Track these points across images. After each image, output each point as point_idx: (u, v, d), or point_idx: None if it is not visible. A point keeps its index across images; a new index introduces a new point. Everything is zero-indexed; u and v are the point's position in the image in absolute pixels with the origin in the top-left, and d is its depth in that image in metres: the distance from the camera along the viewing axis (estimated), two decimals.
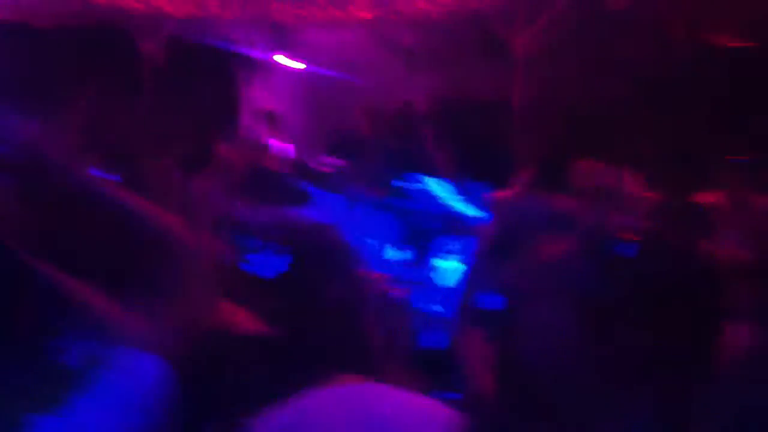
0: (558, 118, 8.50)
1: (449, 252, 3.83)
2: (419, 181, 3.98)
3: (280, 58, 9.04)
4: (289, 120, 10.14)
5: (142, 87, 8.81)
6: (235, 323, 1.90)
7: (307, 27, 7.39)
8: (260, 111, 8.91)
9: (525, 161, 7.72)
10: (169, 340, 1.79)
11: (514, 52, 7.09)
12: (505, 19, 7.01)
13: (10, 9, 7.15)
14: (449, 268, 3.68)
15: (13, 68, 9.89)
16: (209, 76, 10.40)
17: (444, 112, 8.92)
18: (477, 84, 8.90)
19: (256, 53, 9.99)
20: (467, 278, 3.40)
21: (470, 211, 3.91)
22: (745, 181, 4.39)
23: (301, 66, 10.03)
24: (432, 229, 3.79)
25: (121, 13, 6.48)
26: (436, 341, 2.98)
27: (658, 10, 6.51)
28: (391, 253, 3.97)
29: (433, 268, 3.67)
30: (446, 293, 3.45)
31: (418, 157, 6.43)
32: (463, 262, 3.71)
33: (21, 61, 9.70)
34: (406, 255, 3.89)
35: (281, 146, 8.94)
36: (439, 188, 3.93)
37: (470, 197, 4.28)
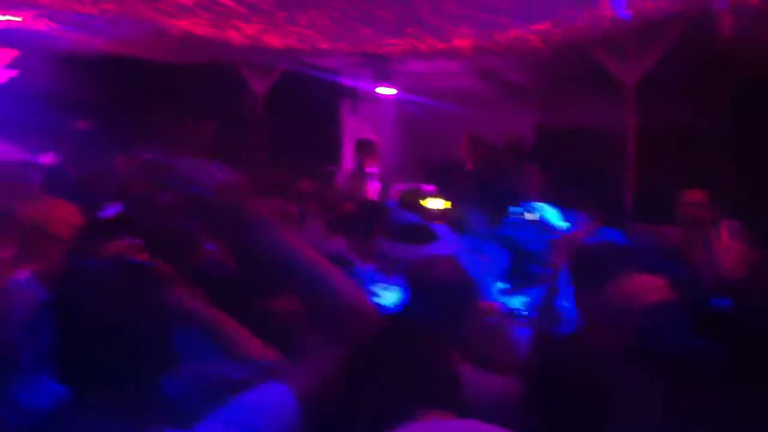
0: (667, 150, 8.23)
1: (551, 281, 3.71)
2: (526, 210, 3.87)
3: (383, 89, 9.11)
4: (391, 150, 10.19)
5: (251, 119, 9.07)
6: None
7: (409, 58, 7.39)
8: (363, 141, 8.99)
9: (630, 192, 7.52)
10: (303, 376, 1.88)
11: (624, 84, 6.88)
12: (614, 52, 6.81)
13: (120, 43, 7.48)
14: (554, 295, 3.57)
15: (128, 101, 10.28)
16: (314, 107, 10.61)
17: (549, 143, 8.77)
18: (584, 116, 8.70)
19: (358, 84, 10.11)
20: (558, 306, 3.35)
21: (572, 238, 3.78)
22: None
23: (402, 96, 10.08)
24: (538, 258, 3.67)
25: (225, 46, 6.66)
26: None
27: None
28: (501, 284, 3.88)
29: (539, 298, 3.56)
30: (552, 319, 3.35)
31: (522, 188, 6.32)
32: (561, 290, 3.60)
33: (135, 94, 10.08)
34: (515, 285, 3.79)
35: (383, 176, 8.98)
36: (546, 216, 3.82)
37: (575, 226, 4.14)
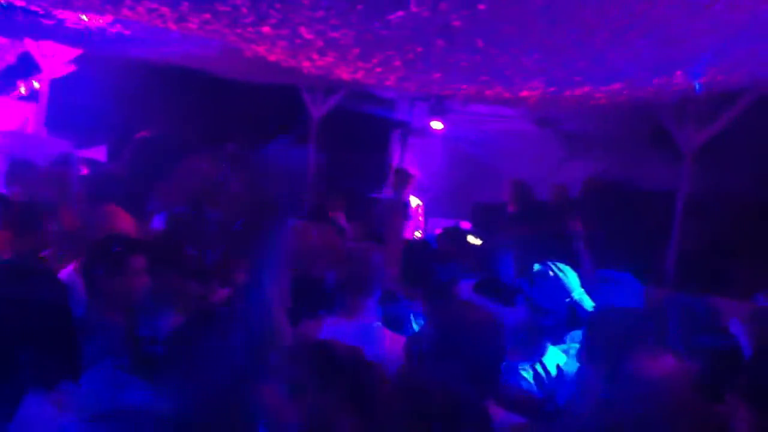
0: (722, 215, 8.18)
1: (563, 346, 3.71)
2: (553, 269, 3.83)
3: (436, 125, 9.17)
4: (437, 187, 10.22)
5: (308, 143, 9.16)
6: None
7: (471, 101, 7.44)
8: (403, 172, 9.03)
9: (673, 258, 7.49)
10: None
11: (682, 145, 6.88)
12: (675, 113, 6.83)
13: (190, 57, 7.59)
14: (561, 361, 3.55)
15: (189, 112, 10.37)
16: (366, 138, 10.69)
17: (599, 198, 8.74)
18: (638, 173, 8.69)
19: (415, 120, 10.17)
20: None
21: (588, 303, 3.76)
22: None
23: (453, 132, 10.12)
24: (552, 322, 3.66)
25: (295, 72, 6.74)
26: None
27: None
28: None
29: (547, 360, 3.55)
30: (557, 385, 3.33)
31: (561, 242, 6.29)
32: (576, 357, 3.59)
33: (197, 106, 10.17)
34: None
35: (424, 212, 9.01)
36: (571, 278, 3.79)
37: (609, 289, 4.11)
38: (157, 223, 5.60)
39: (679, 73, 5.29)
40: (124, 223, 4.35)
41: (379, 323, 3.62)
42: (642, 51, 4.75)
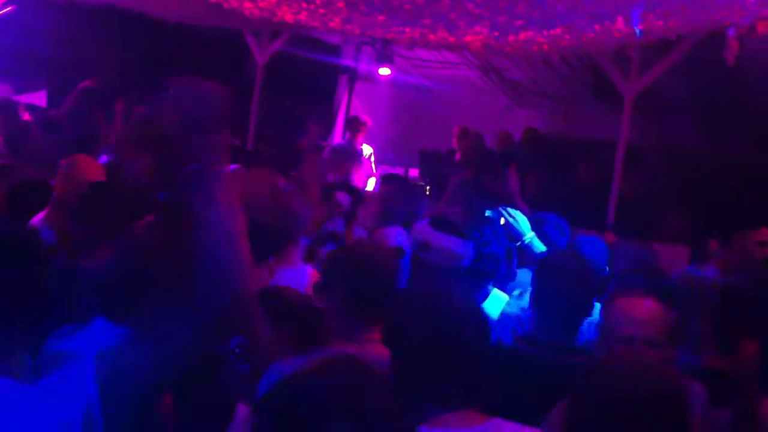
0: (663, 162, 8.35)
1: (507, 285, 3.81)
2: (502, 213, 3.90)
3: (384, 71, 9.12)
4: (384, 132, 10.22)
5: (252, 90, 9.03)
6: None
7: (414, 45, 7.41)
8: (353, 118, 8.99)
9: (613, 205, 7.65)
10: None
11: (622, 92, 6.98)
12: (615, 60, 6.91)
13: (133, 0, 7.40)
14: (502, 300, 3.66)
15: (130, 55, 10.12)
16: (312, 84, 10.58)
17: (541, 146, 8.85)
18: (581, 122, 8.82)
19: (361, 66, 10.09)
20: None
21: (542, 247, 3.86)
22: None
23: (400, 78, 10.08)
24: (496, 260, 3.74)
25: (236, 14, 6.62)
26: None
27: None
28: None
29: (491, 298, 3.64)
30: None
31: (506, 188, 6.39)
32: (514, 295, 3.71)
33: (138, 50, 9.94)
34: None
35: (371, 156, 9.00)
36: (515, 222, 3.87)
37: (553, 233, 4.21)
38: None
39: (620, 19, 5.35)
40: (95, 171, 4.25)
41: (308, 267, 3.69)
42: None
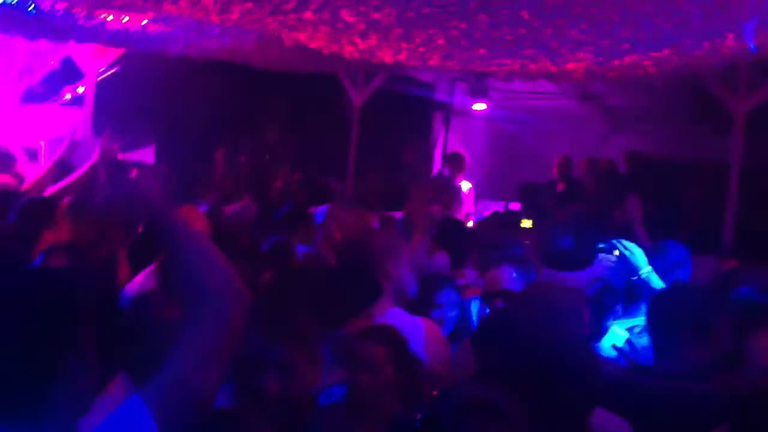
0: None
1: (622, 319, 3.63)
2: (616, 246, 3.75)
3: (479, 106, 9.08)
4: (480, 166, 10.14)
5: (349, 128, 9.16)
6: None
7: (515, 77, 7.34)
8: (455, 156, 8.97)
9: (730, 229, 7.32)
10: None
11: (733, 111, 6.72)
12: (724, 79, 6.67)
13: (231, 52, 7.62)
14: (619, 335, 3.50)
15: (231, 104, 10.39)
16: (408, 121, 10.65)
17: (648, 173, 8.60)
18: (683, 146, 8.52)
19: (456, 101, 10.10)
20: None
21: (657, 280, 3.67)
22: None
23: (495, 112, 10.03)
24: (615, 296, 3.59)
25: (334, 58, 6.72)
26: None
27: None
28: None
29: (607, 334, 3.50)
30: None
31: (619, 219, 6.19)
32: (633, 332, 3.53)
33: (239, 98, 10.20)
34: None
35: (471, 190, 8.94)
36: (638, 256, 3.70)
37: (666, 264, 4.01)
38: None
39: (730, 36, 5.16)
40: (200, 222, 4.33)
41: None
42: (691, 15, 4.64)
